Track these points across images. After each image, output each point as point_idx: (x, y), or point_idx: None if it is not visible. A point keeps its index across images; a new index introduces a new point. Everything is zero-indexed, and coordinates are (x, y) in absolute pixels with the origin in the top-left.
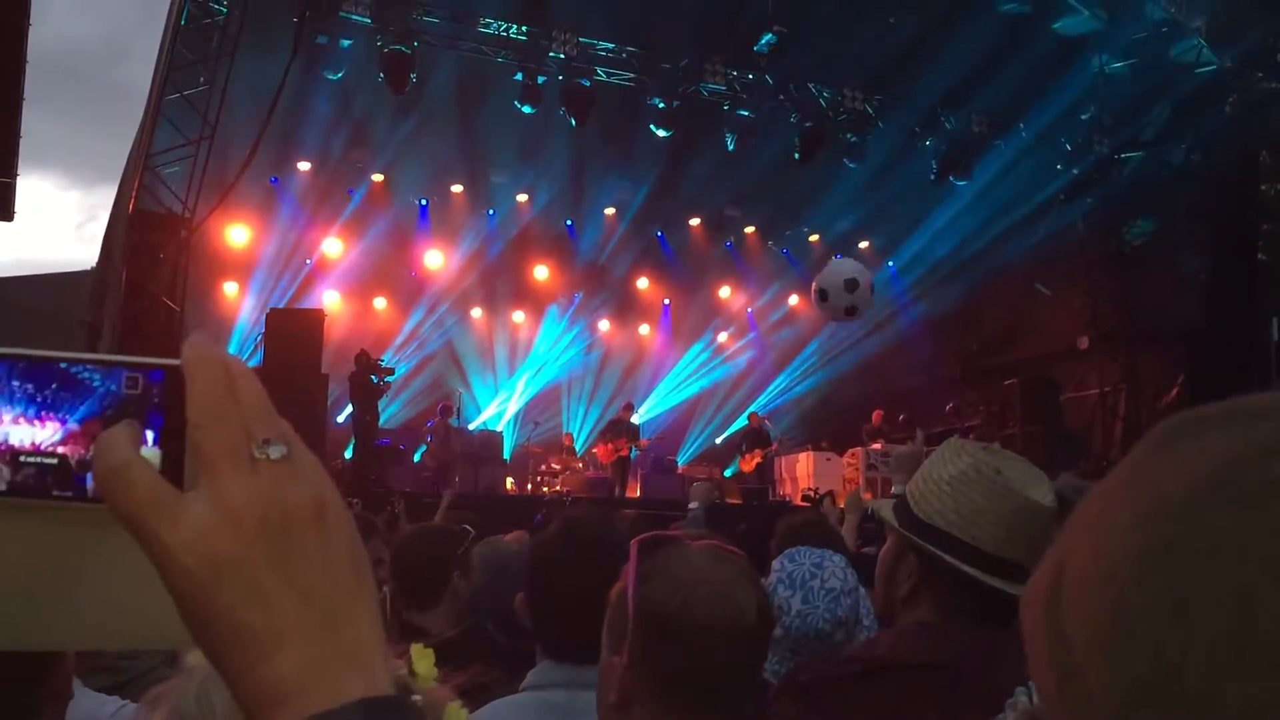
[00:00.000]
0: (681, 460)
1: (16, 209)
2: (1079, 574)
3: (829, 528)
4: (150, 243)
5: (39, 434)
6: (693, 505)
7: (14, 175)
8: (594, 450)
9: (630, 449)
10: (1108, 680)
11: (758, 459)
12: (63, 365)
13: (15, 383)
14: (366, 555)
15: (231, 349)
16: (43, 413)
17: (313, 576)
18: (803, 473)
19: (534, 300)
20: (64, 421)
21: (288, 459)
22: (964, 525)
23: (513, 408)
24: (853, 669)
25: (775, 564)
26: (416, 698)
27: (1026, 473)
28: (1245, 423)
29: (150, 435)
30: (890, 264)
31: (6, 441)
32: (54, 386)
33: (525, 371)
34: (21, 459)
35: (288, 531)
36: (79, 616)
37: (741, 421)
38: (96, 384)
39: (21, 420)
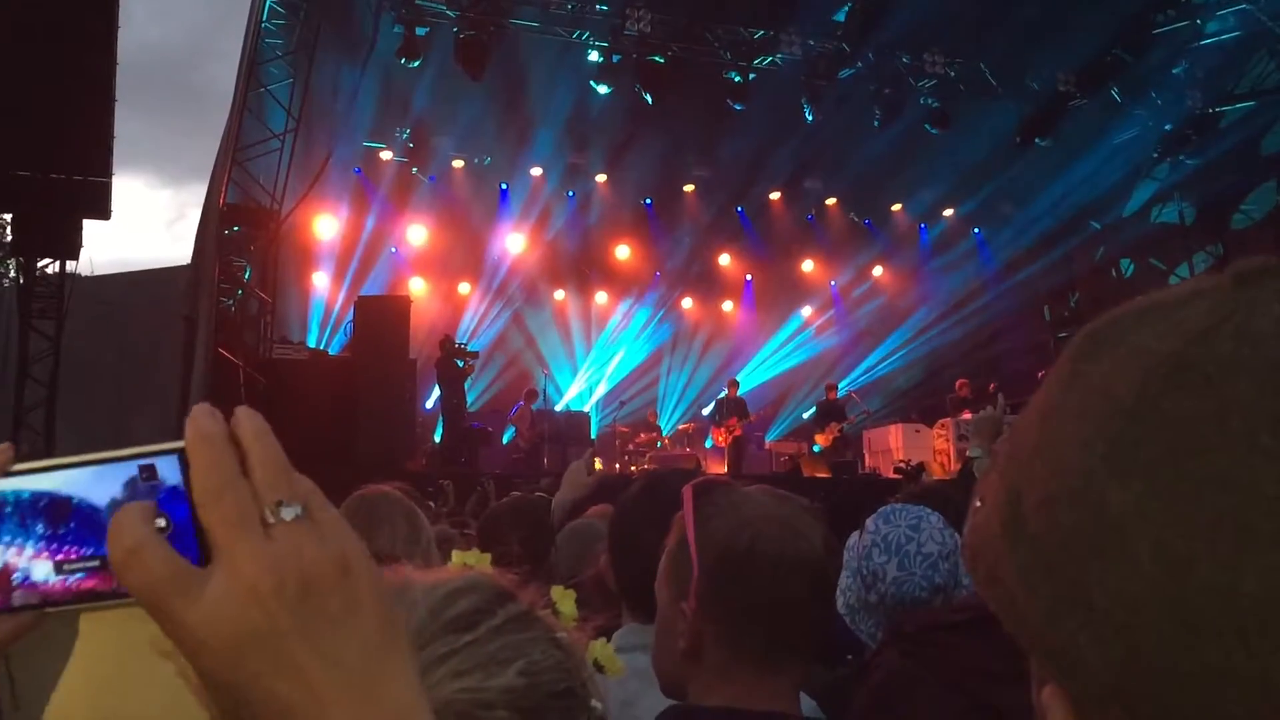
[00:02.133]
0: (770, 438)
1: (113, 208)
2: (1042, 496)
3: (948, 494)
4: (241, 236)
5: (73, 551)
6: None
7: (109, 175)
8: (686, 430)
9: (742, 427)
10: (1114, 587)
11: (834, 433)
12: (75, 500)
13: (39, 520)
14: (397, 609)
15: (318, 338)
16: (71, 535)
17: (341, 639)
18: (893, 445)
19: (616, 280)
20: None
21: (305, 519)
22: None
23: (600, 389)
24: (960, 617)
25: (869, 524)
26: (563, 636)
27: None
28: (1164, 315)
29: (163, 520)
30: (977, 231)
31: (48, 550)
32: (75, 510)
33: (609, 351)
34: (64, 565)
35: (308, 596)
36: (148, 708)
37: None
38: (116, 482)
39: (50, 546)
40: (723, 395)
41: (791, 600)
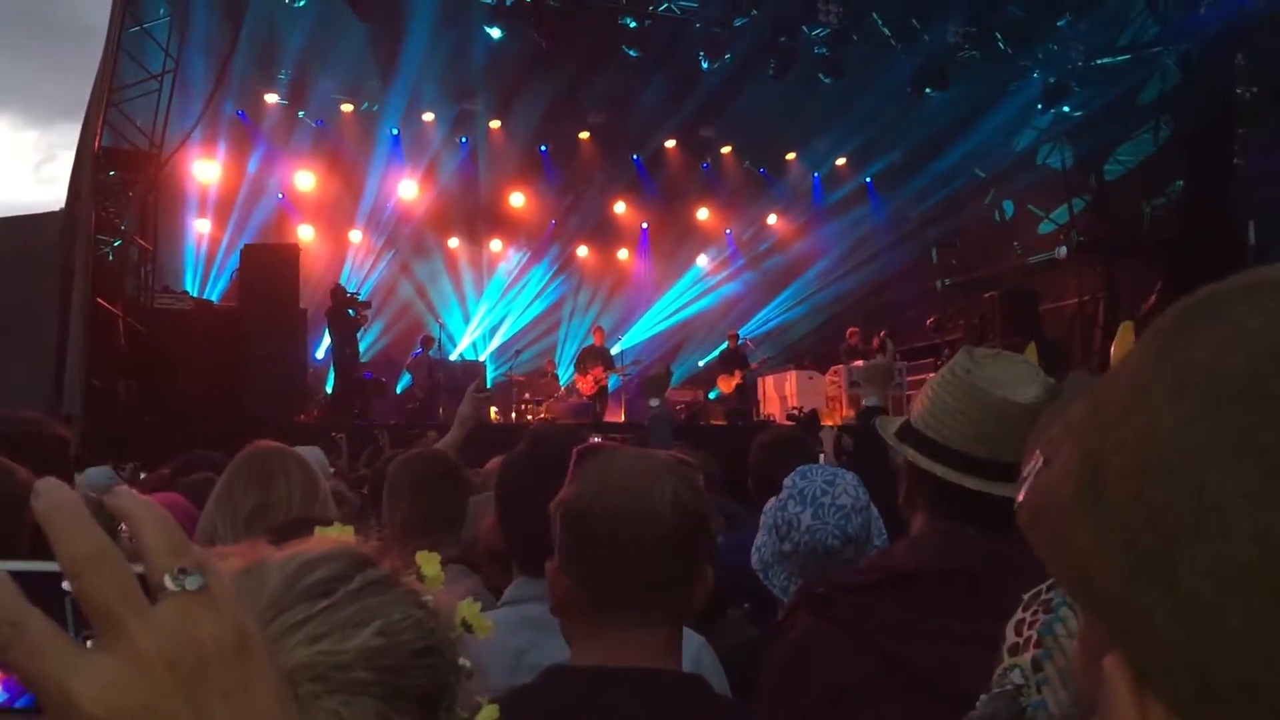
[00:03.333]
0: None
1: None
2: (1130, 467)
3: (806, 445)
4: (118, 181)
5: None
6: (654, 403)
7: None
8: (574, 382)
9: (609, 377)
10: (1204, 565)
11: (737, 380)
12: None
13: None
14: (286, 685)
15: (201, 286)
16: None
17: (236, 716)
18: (788, 392)
19: (509, 228)
20: None
21: (204, 589)
22: (936, 425)
23: (494, 339)
24: (870, 578)
25: (786, 481)
26: (428, 599)
27: (1011, 372)
28: (1271, 295)
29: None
30: (868, 180)
31: None
32: None
33: (503, 301)
34: None
35: (204, 670)
36: None
37: (724, 344)
38: None
39: None
40: (589, 344)
41: (628, 557)
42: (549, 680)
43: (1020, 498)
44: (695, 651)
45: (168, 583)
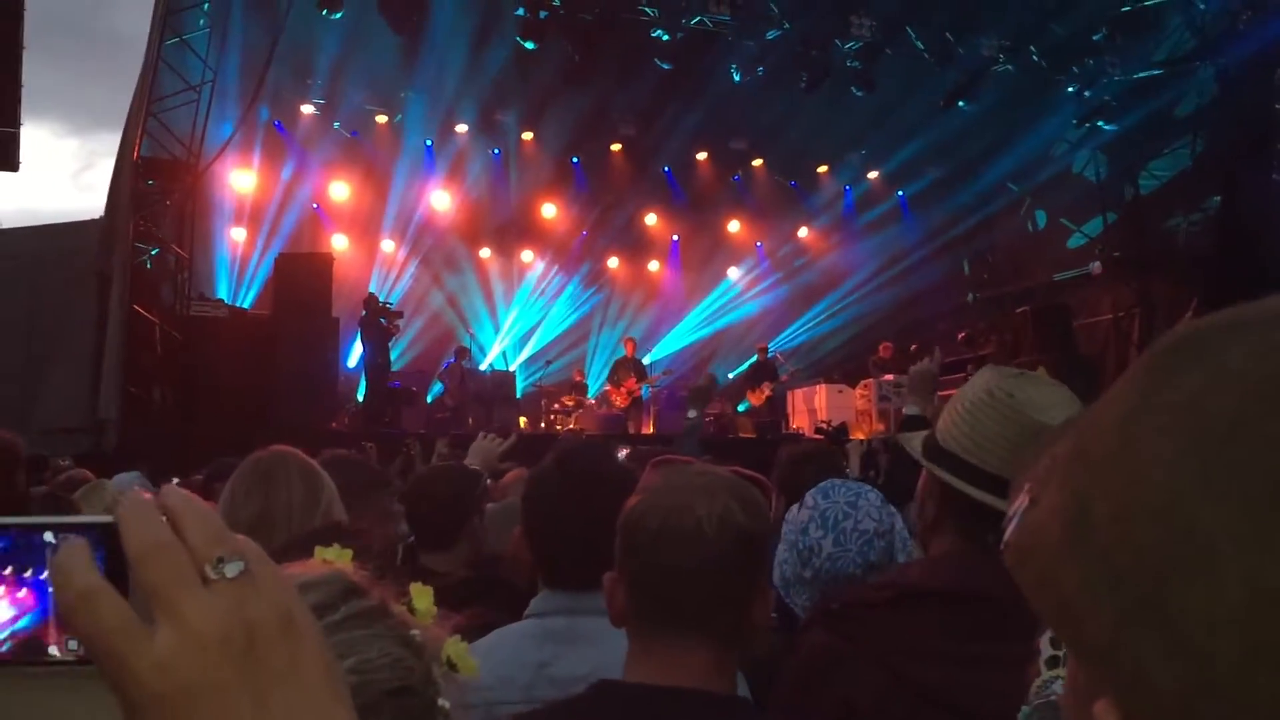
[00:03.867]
0: None
1: (21, 158)
2: (1118, 508)
3: (833, 459)
4: (156, 190)
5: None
6: (691, 414)
7: (17, 125)
8: (607, 393)
9: (641, 388)
10: (1195, 609)
11: (767, 393)
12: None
13: None
14: (338, 663)
15: (233, 293)
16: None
17: (287, 693)
18: (817, 405)
19: (542, 239)
20: (18, 588)
21: (246, 574)
22: (975, 449)
23: (524, 349)
24: (884, 595)
25: (807, 498)
26: (415, 633)
27: (1048, 396)
28: (1260, 330)
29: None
30: (900, 194)
31: None
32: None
33: (534, 311)
34: None
35: (253, 649)
36: None
37: (754, 357)
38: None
39: None
40: (620, 355)
41: (670, 574)
42: (595, 694)
43: (1006, 537)
44: None
45: (208, 572)
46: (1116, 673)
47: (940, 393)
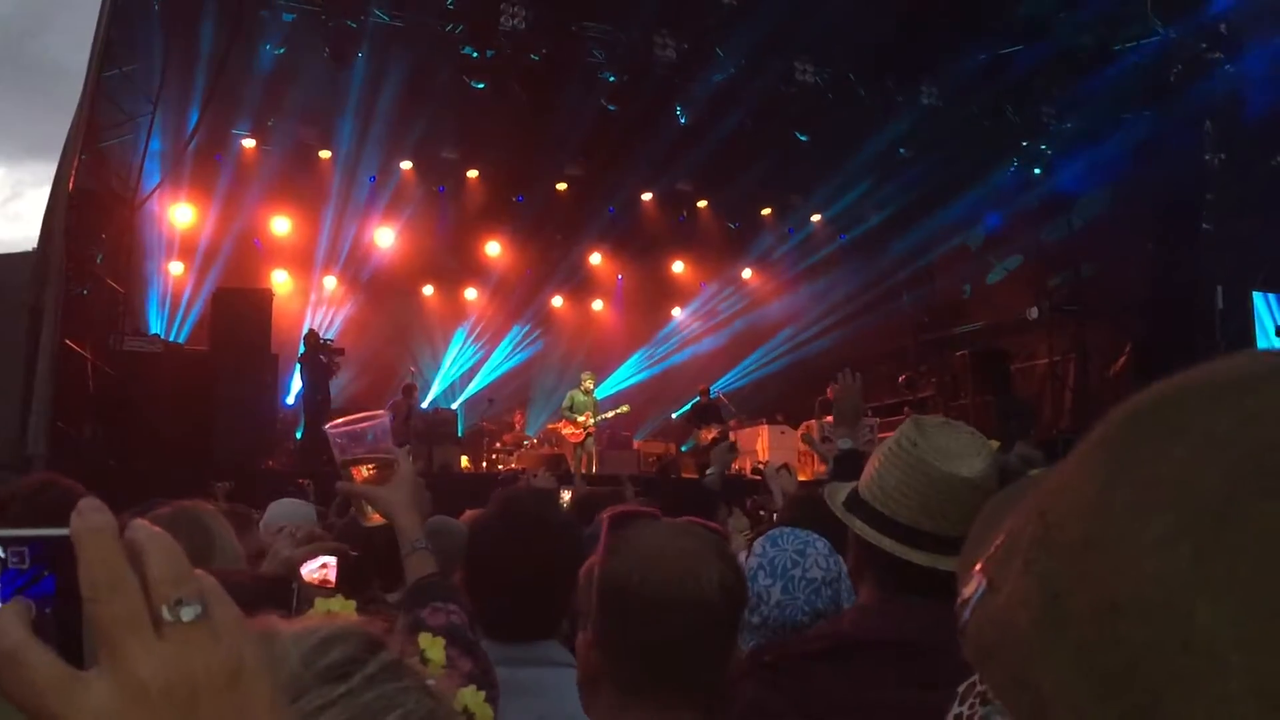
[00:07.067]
0: (639, 438)
1: None
2: (1101, 601)
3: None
4: (92, 222)
5: None
6: (710, 471)
7: None
8: (555, 429)
9: (595, 422)
10: (1203, 708)
11: (714, 433)
12: None
13: None
14: (290, 715)
15: (166, 328)
16: None
17: None
18: (759, 446)
19: (485, 277)
20: None
21: (203, 619)
22: (885, 500)
23: (466, 386)
24: (817, 646)
25: (756, 547)
26: (430, 681)
27: (957, 443)
28: (1237, 395)
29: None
30: (842, 237)
31: None
32: None
33: (477, 349)
34: None
35: (196, 703)
36: None
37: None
38: None
39: None
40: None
41: (675, 640)
42: None
43: (963, 626)
44: None
45: (164, 613)
46: None
47: (881, 435)
